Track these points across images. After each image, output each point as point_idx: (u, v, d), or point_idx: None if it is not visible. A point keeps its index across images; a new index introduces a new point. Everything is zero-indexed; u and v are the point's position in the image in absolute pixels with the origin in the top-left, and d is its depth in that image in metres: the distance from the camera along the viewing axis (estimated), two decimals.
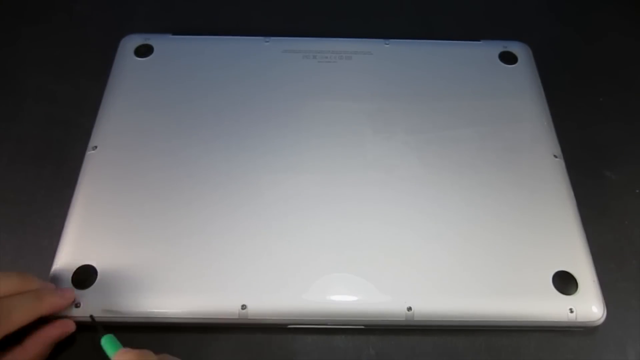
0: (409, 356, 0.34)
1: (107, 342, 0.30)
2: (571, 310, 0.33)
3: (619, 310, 0.35)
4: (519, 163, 0.39)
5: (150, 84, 0.42)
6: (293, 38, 0.45)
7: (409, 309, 0.33)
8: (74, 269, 0.34)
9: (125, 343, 0.34)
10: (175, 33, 0.46)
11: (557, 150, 0.40)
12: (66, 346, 0.33)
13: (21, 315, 0.29)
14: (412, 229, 0.36)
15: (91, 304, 0.32)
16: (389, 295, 0.33)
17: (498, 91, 0.43)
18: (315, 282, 0.33)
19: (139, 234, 0.35)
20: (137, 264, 0.34)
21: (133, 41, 0.45)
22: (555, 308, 0.33)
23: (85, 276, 0.33)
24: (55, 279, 0.33)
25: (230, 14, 0.51)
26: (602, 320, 0.33)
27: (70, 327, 0.32)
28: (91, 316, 0.32)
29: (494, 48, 0.45)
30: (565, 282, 0.34)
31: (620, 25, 0.51)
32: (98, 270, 0.34)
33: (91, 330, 0.31)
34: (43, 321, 0.31)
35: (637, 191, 0.41)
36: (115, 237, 0.35)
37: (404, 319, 0.33)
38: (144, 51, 0.44)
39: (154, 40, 0.45)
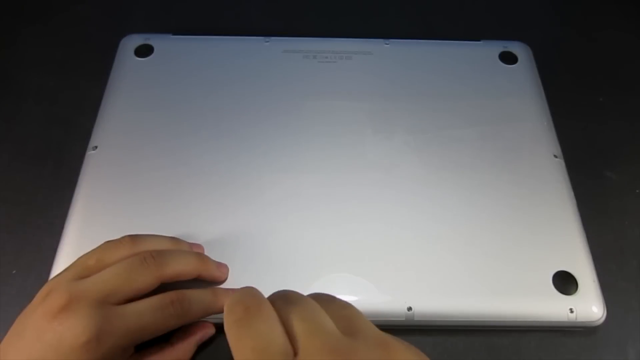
0: None
1: None
2: (571, 310, 0.33)
3: (619, 310, 0.35)
4: (519, 163, 0.39)
5: (150, 84, 0.42)
6: (293, 38, 0.45)
7: (409, 309, 0.33)
8: None
9: None
10: (175, 33, 0.46)
11: (557, 150, 0.40)
12: None
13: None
14: (412, 228, 0.36)
15: None
16: (389, 295, 0.33)
17: (498, 91, 0.43)
18: (316, 282, 0.33)
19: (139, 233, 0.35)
20: None
21: (133, 41, 0.45)
22: (555, 308, 0.33)
23: None
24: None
25: (230, 14, 0.51)
26: (602, 320, 0.33)
27: (211, 329, 0.32)
28: None
29: (494, 48, 0.45)
30: (565, 282, 0.34)
31: (620, 25, 0.51)
32: None
33: None
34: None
35: (637, 191, 0.41)
36: (115, 237, 0.35)
37: (404, 319, 0.33)
38: (144, 51, 0.44)
39: (154, 40, 0.45)
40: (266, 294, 0.33)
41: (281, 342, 0.21)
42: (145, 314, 0.28)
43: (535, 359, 0.34)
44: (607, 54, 0.49)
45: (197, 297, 0.30)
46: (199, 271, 0.32)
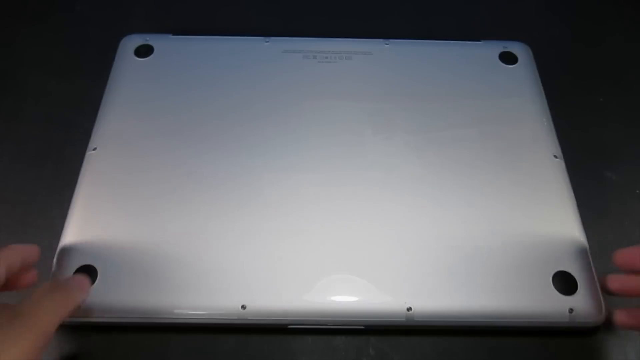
0: (409, 356, 0.34)
1: None
2: (571, 310, 0.33)
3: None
4: (519, 163, 0.39)
5: (150, 84, 0.42)
6: (293, 38, 0.45)
7: (409, 309, 0.33)
8: (74, 269, 0.34)
9: (126, 343, 0.34)
10: (175, 33, 0.46)
11: (557, 150, 0.40)
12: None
13: None
14: (412, 229, 0.36)
15: (91, 304, 0.32)
16: (389, 295, 0.33)
17: (498, 91, 0.43)
18: (315, 282, 0.33)
19: (139, 234, 0.35)
20: (137, 264, 0.34)
21: (133, 41, 0.45)
22: (555, 308, 0.33)
23: None
24: (56, 280, 0.33)
25: (230, 14, 0.51)
26: (602, 320, 0.33)
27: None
28: None
29: (494, 48, 0.45)
30: (565, 282, 0.34)
31: (620, 26, 0.51)
32: (98, 270, 0.34)
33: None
34: None
35: (638, 192, 0.41)
36: (115, 237, 0.35)
37: (404, 319, 0.33)
38: (144, 51, 0.44)
39: (154, 40, 0.45)
40: (266, 293, 0.33)
41: None
42: None
43: (535, 359, 0.34)
44: (607, 54, 0.49)
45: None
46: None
